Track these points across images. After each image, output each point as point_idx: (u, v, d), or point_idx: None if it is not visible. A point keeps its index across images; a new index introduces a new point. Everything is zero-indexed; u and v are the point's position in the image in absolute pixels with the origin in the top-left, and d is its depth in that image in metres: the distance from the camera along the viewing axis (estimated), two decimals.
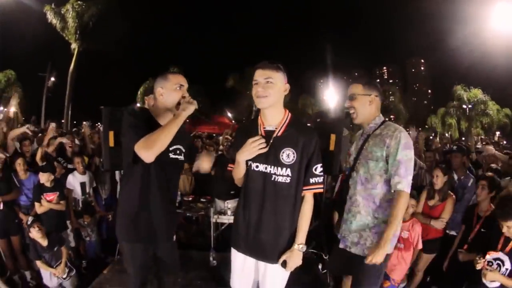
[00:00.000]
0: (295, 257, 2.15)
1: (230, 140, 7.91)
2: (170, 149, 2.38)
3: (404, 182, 2.35)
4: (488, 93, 30.86)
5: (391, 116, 36.36)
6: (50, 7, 21.59)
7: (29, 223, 4.07)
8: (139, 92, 26.34)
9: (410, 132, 7.65)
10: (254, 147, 2.10)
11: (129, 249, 2.46)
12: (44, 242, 4.09)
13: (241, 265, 2.32)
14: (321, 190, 2.22)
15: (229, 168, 2.39)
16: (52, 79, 26.39)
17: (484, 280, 2.97)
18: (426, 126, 35.56)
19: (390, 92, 35.42)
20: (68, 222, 4.95)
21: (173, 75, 2.42)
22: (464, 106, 31.18)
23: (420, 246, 3.85)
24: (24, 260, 4.74)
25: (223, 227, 4.97)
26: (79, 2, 21.78)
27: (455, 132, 31.03)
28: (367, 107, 2.58)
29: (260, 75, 2.09)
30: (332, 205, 4.73)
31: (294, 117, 2.24)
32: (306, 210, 2.21)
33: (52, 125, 5.81)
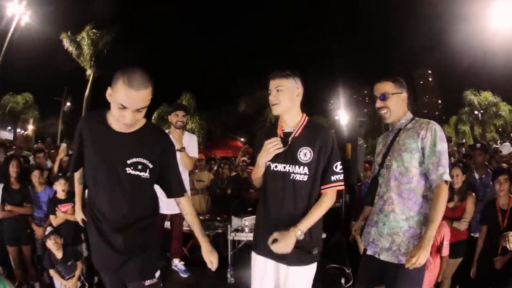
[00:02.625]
0: (287, 239, 2.06)
1: (246, 161, 7.91)
2: (128, 162, 1.91)
3: (448, 173, 2.22)
4: (498, 94, 29.67)
5: None
6: (67, 35, 22.38)
7: (46, 233, 4.04)
8: (153, 118, 26.49)
9: None
10: (270, 148, 2.18)
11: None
12: (59, 255, 4.04)
13: (262, 269, 2.30)
14: (343, 188, 2.23)
15: (248, 170, 2.56)
16: (68, 103, 27.09)
17: None
18: None
19: None
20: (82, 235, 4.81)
21: (122, 85, 1.74)
22: (476, 112, 30.06)
23: (446, 252, 3.50)
24: (34, 271, 4.68)
25: (240, 245, 4.82)
26: (93, 30, 22.58)
27: (469, 139, 28.74)
28: (400, 105, 2.45)
29: (271, 84, 2.24)
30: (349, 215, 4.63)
31: (311, 120, 2.34)
32: (324, 202, 2.19)
33: (63, 145, 5.78)
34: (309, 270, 2.25)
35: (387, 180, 2.41)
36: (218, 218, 5.34)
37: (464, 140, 26.81)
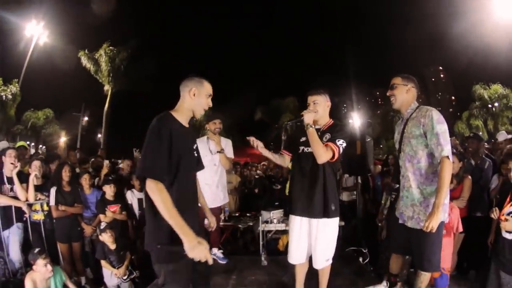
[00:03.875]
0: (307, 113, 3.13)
1: (266, 165, 8.60)
2: (194, 147, 2.57)
3: (446, 149, 2.76)
4: (508, 86, 29.34)
5: None
6: (84, 52, 23.10)
7: (102, 227, 4.55)
8: None
9: None
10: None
11: (174, 270, 2.26)
12: (113, 246, 4.55)
13: (298, 226, 3.18)
14: (336, 151, 2.97)
15: (281, 152, 3.44)
16: (86, 118, 28.00)
17: (503, 233, 3.33)
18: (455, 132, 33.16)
19: None
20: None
21: (207, 82, 2.55)
22: (490, 106, 29.97)
23: (460, 228, 3.97)
24: (81, 266, 5.18)
25: (270, 235, 5.34)
26: (110, 47, 23.31)
27: (483, 134, 27.67)
28: (404, 95, 3.10)
29: (309, 99, 3.21)
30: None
31: (336, 122, 3.27)
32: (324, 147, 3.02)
33: (106, 162, 6.37)
34: (333, 222, 3.12)
35: (403, 162, 3.06)
36: (248, 214, 5.97)
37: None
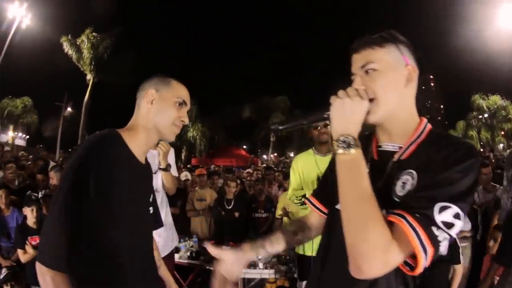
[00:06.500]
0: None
1: (252, 174, 7.17)
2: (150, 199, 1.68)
3: None
4: (507, 98, 29.21)
5: None
6: (67, 38, 21.90)
7: (1, 276, 3.19)
8: None
9: None
10: None
11: None
12: None
13: None
14: (423, 250, 0.88)
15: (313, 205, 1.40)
16: (69, 109, 26.93)
17: None
18: None
19: None
20: None
21: (176, 82, 1.55)
22: (486, 116, 30.23)
23: None
24: None
25: (252, 283, 3.95)
26: (94, 33, 22.15)
27: (476, 144, 27.36)
28: None
29: (355, 63, 1.13)
30: None
31: (438, 131, 1.12)
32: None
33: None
34: None
35: None
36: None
37: None
